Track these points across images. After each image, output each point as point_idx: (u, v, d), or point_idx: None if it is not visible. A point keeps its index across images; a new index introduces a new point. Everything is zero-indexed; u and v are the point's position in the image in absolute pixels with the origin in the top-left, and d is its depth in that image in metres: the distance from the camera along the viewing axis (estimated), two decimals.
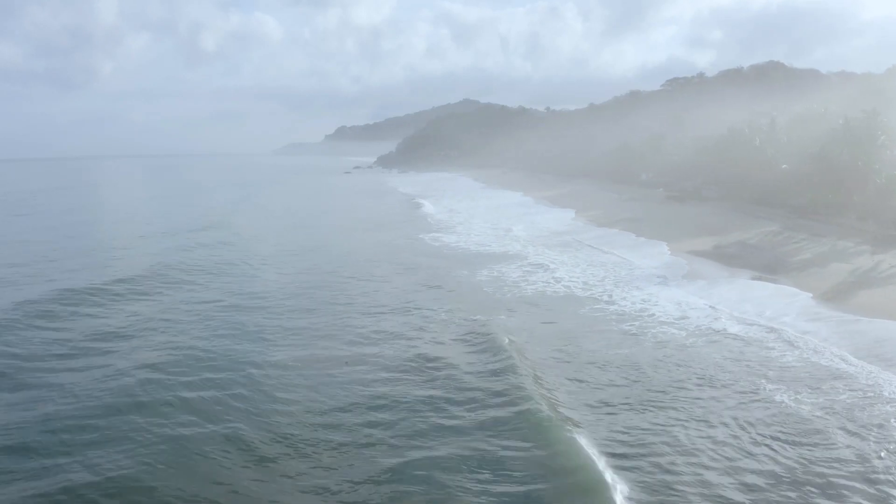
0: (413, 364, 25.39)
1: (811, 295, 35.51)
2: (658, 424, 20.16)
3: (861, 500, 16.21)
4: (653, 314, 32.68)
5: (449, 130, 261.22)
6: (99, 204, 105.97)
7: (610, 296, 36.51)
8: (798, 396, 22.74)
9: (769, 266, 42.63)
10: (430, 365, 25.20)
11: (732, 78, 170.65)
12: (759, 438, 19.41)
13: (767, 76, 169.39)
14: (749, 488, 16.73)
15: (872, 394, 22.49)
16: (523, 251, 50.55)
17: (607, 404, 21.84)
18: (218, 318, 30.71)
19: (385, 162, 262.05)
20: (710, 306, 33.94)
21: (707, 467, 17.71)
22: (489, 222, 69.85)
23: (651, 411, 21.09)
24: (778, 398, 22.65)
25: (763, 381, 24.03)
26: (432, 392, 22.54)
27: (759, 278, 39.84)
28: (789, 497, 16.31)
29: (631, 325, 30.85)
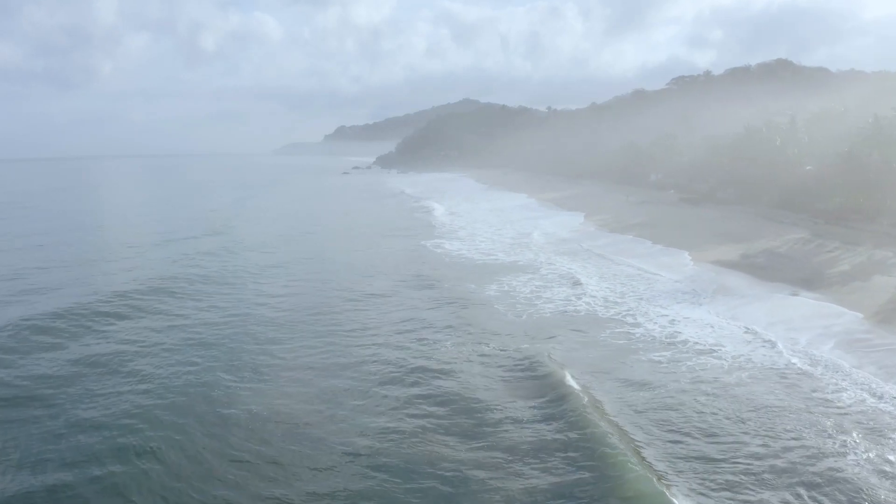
0: (423, 409, 21.34)
1: (861, 315, 31.48)
2: None
3: None
4: (685, 340, 28.61)
5: (449, 130, 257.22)
6: (94, 207, 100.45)
7: (634, 316, 32.47)
8: (868, 455, 18.80)
9: (806, 279, 38.57)
10: (448, 411, 21.15)
11: (740, 76, 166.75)
12: None
13: (776, 74, 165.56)
14: None
15: None
16: (534, 261, 46.47)
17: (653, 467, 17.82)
18: (184, 353, 26.50)
19: (384, 162, 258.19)
20: (747, 329, 29.92)
21: None
22: (493, 227, 65.86)
23: (710, 484, 17.01)
24: (850, 458, 18.69)
25: (824, 435, 19.95)
26: (459, 453, 18.27)
27: (798, 294, 35.81)
28: None
29: (662, 356, 26.79)
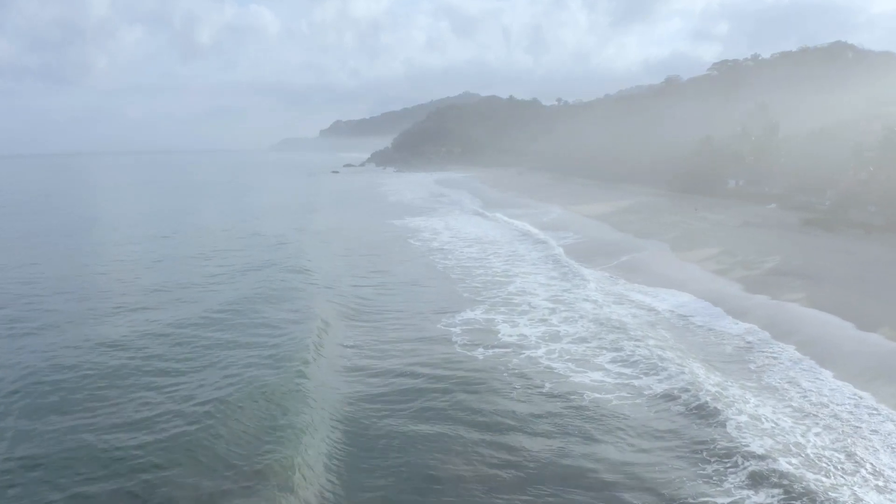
0: None
1: None
2: None
3: None
4: None
5: (450, 124, 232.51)
6: (71, 229, 67.33)
7: None
8: None
9: None
10: None
11: (796, 60, 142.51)
12: None
13: (836, 59, 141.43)
14: None
15: None
16: (677, 380, 21.66)
17: None
18: None
19: (380, 159, 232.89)
20: None
21: None
22: (539, 275, 41.10)
23: None
24: None
25: None
26: None
27: None
28: None
29: None
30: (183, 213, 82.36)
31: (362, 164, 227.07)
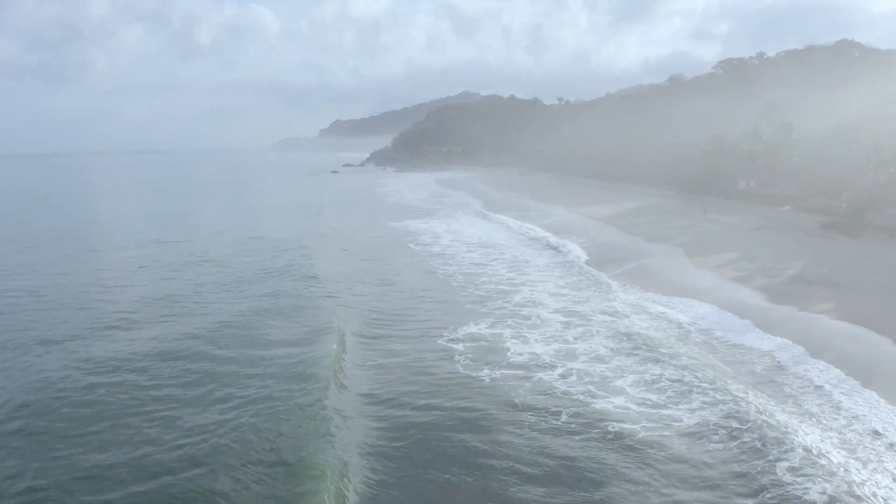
0: None
1: None
2: None
3: None
4: None
5: (451, 123, 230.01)
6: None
7: None
8: None
9: None
10: None
11: (802, 58, 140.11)
12: None
13: (842, 57, 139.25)
14: None
15: None
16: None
17: None
18: None
19: (379, 159, 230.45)
20: None
21: None
22: (547, 283, 38.84)
23: None
24: None
25: None
26: None
27: None
28: None
29: None
30: (182, 214, 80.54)
31: (362, 164, 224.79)
